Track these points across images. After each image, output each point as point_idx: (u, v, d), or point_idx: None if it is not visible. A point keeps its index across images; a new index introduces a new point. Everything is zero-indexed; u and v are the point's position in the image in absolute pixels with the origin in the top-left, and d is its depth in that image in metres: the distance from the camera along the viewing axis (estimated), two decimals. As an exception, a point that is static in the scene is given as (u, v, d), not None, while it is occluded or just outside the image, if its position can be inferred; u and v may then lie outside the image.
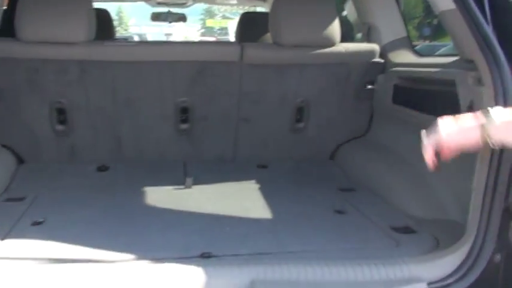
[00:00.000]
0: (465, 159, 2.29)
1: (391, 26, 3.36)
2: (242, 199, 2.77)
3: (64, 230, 2.25)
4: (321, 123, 3.38)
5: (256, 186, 3.01)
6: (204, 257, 2.00)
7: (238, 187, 3.00)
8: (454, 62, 2.41)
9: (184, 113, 3.21)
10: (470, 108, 2.12)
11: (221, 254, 2.03)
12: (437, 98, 2.51)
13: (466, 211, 2.21)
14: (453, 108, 2.29)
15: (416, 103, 2.74)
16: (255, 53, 3.10)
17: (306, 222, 2.43)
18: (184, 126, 3.25)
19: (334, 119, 3.38)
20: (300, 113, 3.33)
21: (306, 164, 3.38)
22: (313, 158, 3.45)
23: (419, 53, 3.24)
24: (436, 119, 2.54)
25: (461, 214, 2.34)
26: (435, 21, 14.80)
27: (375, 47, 3.23)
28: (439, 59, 2.81)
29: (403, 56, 3.19)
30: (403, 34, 3.33)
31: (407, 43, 3.30)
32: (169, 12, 6.85)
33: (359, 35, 4.72)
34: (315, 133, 3.40)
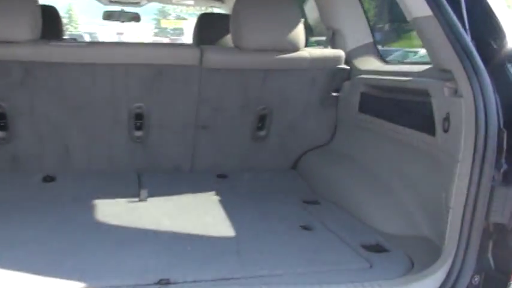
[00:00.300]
0: (435, 172, 2.19)
1: (356, 31, 3.24)
2: (202, 214, 2.58)
3: (2, 252, 2.00)
4: (283, 131, 3.23)
5: (217, 198, 2.83)
6: (162, 284, 1.81)
7: (198, 200, 2.81)
8: (427, 70, 2.30)
9: (138, 120, 3.00)
10: (446, 120, 2.01)
11: (181, 281, 1.84)
12: (407, 108, 2.40)
13: (439, 228, 2.11)
14: (425, 119, 2.18)
15: (385, 113, 2.62)
16: (215, 56, 2.92)
17: (272, 240, 2.27)
18: (138, 133, 3.04)
19: (297, 127, 3.23)
20: (262, 121, 3.17)
21: (268, 173, 3.23)
22: (275, 167, 3.30)
23: (385, 60, 3.13)
24: (405, 129, 2.45)
25: (433, 230, 2.24)
26: (386, 27, 14.99)
27: (341, 53, 3.11)
28: (408, 67, 2.71)
29: (370, 63, 3.07)
30: (369, 40, 3.22)
31: (373, 49, 3.19)
32: (122, 11, 6.56)
33: (313, 39, 4.62)
34: (277, 141, 3.25)
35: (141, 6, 5.83)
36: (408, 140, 2.38)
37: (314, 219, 2.52)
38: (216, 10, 5.85)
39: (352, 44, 3.21)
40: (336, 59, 3.08)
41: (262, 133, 3.20)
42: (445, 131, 2.01)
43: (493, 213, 1.80)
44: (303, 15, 3.54)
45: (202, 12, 5.72)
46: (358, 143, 2.96)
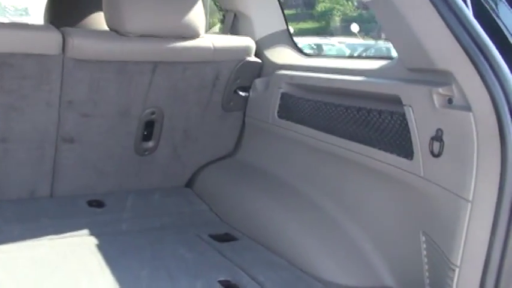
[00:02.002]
0: (407, 205, 1.65)
1: (266, 15, 2.60)
2: (70, 272, 1.78)
3: None
4: (176, 140, 2.50)
5: (90, 240, 2.03)
6: None
7: (69, 245, 1.98)
8: (390, 69, 1.73)
9: None
10: (437, 141, 1.44)
11: None
12: (363, 118, 1.81)
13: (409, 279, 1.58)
14: (393, 134, 1.61)
15: (323, 121, 2.01)
16: (83, 43, 2.10)
17: None
18: None
19: (194, 135, 2.52)
20: (149, 128, 2.41)
21: (158, 195, 2.49)
22: (165, 187, 2.56)
23: (304, 52, 2.53)
24: (356, 146, 1.86)
25: (396, 279, 1.70)
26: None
27: (250, 41, 2.45)
28: (345, 62, 2.13)
29: (287, 55, 2.45)
30: (283, 26, 2.60)
31: (289, 38, 2.57)
32: None
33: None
34: (168, 154, 2.51)
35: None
36: (361, 161, 1.79)
37: (236, 269, 1.84)
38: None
39: (261, 31, 2.56)
40: (245, 50, 2.42)
41: (150, 144, 2.45)
42: (436, 155, 1.44)
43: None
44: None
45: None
46: (279, 156, 2.33)
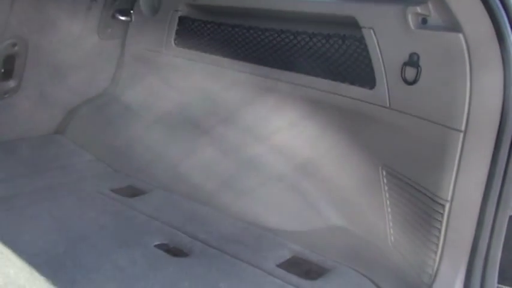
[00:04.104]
0: (357, 136, 1.52)
1: None
2: None
3: None
4: (42, 78, 2.04)
5: None
6: None
7: None
8: None
9: None
10: (413, 65, 1.30)
11: None
12: (297, 44, 1.59)
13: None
14: (342, 59, 1.45)
15: (241, 49, 1.75)
16: None
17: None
18: None
19: (63, 70, 2.08)
20: (9, 64, 1.92)
21: (26, 147, 2.03)
22: (32, 137, 2.10)
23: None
24: (286, 74, 1.63)
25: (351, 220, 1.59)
26: None
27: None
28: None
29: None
30: None
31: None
32: None
33: None
34: (34, 95, 2.05)
35: None
36: (298, 91, 1.60)
37: (169, 228, 1.56)
38: None
39: None
40: None
41: (11, 84, 1.97)
42: (409, 82, 1.31)
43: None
44: None
45: None
46: (178, 91, 2.01)
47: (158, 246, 1.46)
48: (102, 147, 2.08)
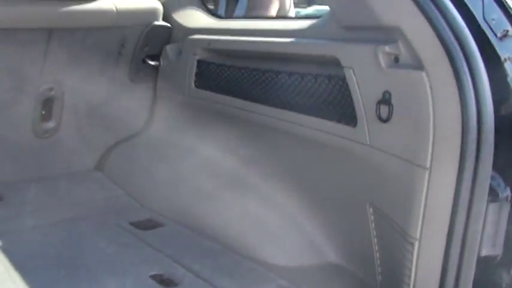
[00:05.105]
0: (346, 175, 1.54)
1: None
2: None
3: None
4: (80, 119, 2.23)
5: None
6: None
7: None
8: (321, 28, 1.58)
9: None
10: (385, 103, 1.32)
11: None
12: (292, 83, 1.66)
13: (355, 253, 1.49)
14: (327, 98, 1.49)
15: (246, 89, 1.84)
16: None
17: None
18: None
19: (99, 111, 2.26)
20: (47, 107, 2.12)
21: (65, 182, 2.21)
22: (72, 172, 2.28)
23: (216, 14, 2.32)
24: (287, 114, 1.71)
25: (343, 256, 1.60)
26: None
27: (157, 3, 2.20)
28: (268, 24, 1.95)
29: (199, 19, 2.23)
30: (189, -14, 2.37)
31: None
32: None
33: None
34: (72, 135, 2.23)
35: None
36: (296, 131, 1.65)
37: (168, 260, 1.65)
38: None
39: (167, -8, 2.32)
40: (152, 13, 2.18)
41: (50, 124, 2.16)
42: (384, 120, 1.33)
43: (484, 242, 1.20)
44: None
45: None
46: (199, 131, 2.12)
47: (153, 277, 1.55)
48: (132, 183, 2.22)
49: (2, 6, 1.81)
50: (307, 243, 1.64)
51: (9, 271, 1.55)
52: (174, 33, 2.23)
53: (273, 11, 2.52)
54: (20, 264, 1.58)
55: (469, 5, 1.21)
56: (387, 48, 1.29)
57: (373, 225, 1.45)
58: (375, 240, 1.46)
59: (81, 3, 1.94)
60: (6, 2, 1.81)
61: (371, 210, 1.45)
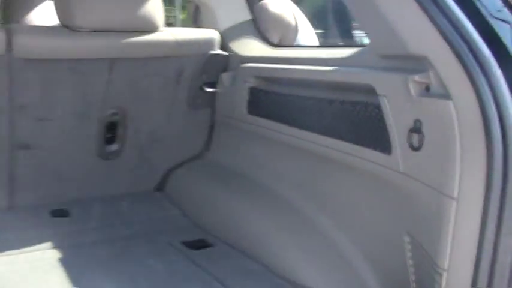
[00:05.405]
0: (388, 206, 1.54)
1: (228, 6, 2.47)
2: None
3: None
4: (142, 142, 2.36)
5: (52, 254, 1.89)
6: None
7: (30, 261, 1.84)
8: (362, 56, 1.61)
9: None
10: (416, 133, 1.33)
11: None
12: (334, 110, 1.69)
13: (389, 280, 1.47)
14: (369, 127, 1.50)
15: (293, 116, 1.89)
16: (32, 40, 1.96)
17: None
18: None
19: (160, 135, 2.38)
20: (111, 130, 2.27)
21: (127, 201, 2.34)
22: (134, 192, 2.42)
23: (271, 42, 2.40)
24: (330, 141, 1.75)
25: (381, 284, 1.59)
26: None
27: (214, 33, 2.31)
28: (315, 52, 2.00)
29: (254, 47, 2.32)
30: (247, 16, 2.46)
31: (254, 28, 2.43)
32: None
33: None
34: (134, 157, 2.37)
35: None
36: (340, 157, 1.68)
37: (211, 279, 1.72)
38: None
39: (225, 22, 2.42)
40: (209, 42, 2.28)
41: (114, 147, 2.31)
42: (415, 148, 1.33)
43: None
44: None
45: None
46: (252, 155, 2.19)
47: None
48: (188, 204, 2.32)
49: (69, 38, 1.98)
50: (347, 269, 1.65)
51: (63, 282, 1.68)
52: (230, 62, 2.32)
53: (275, 37, 2.56)
54: (73, 276, 1.70)
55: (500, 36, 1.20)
56: (417, 77, 1.30)
57: (410, 254, 1.44)
58: (412, 269, 1.44)
59: (141, 35, 2.08)
60: (73, 35, 1.98)
61: (408, 239, 1.45)
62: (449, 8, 1.19)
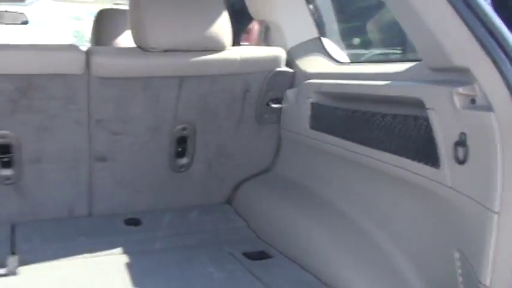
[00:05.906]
0: (440, 220, 1.51)
1: (297, 24, 2.53)
2: None
3: None
4: (211, 156, 2.46)
5: (121, 259, 2.02)
6: None
7: (99, 264, 1.98)
8: (414, 70, 1.61)
9: (5, 153, 2.14)
10: (461, 146, 1.31)
11: None
12: (387, 125, 1.69)
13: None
14: (420, 141, 1.49)
15: (350, 130, 1.91)
16: (108, 61, 2.12)
17: None
18: (6, 172, 2.17)
19: (229, 149, 2.47)
20: (182, 144, 2.39)
21: (196, 213, 2.45)
22: (204, 204, 2.52)
23: (336, 59, 2.43)
24: (384, 155, 1.75)
25: None
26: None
27: (280, 51, 2.38)
28: (377, 68, 2.01)
29: (319, 64, 2.36)
30: (314, 34, 2.51)
31: (320, 46, 2.48)
32: (5, 12, 5.42)
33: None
34: (204, 170, 2.48)
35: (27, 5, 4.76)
36: (392, 171, 1.67)
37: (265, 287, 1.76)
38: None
39: (293, 41, 2.49)
40: (274, 60, 2.35)
41: (184, 160, 2.42)
42: (461, 161, 1.31)
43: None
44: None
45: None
46: (314, 170, 2.23)
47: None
48: (253, 216, 2.38)
49: (142, 58, 2.13)
50: (401, 284, 1.63)
51: (126, 285, 1.79)
52: (296, 78, 2.38)
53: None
54: (136, 280, 1.82)
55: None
56: (461, 90, 1.29)
57: (460, 271, 1.41)
58: (461, 286, 1.41)
59: (209, 54, 2.19)
60: (146, 55, 2.13)
61: (457, 255, 1.41)
62: (488, 18, 1.17)
